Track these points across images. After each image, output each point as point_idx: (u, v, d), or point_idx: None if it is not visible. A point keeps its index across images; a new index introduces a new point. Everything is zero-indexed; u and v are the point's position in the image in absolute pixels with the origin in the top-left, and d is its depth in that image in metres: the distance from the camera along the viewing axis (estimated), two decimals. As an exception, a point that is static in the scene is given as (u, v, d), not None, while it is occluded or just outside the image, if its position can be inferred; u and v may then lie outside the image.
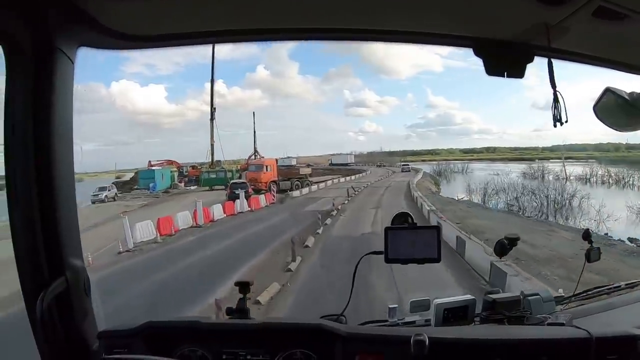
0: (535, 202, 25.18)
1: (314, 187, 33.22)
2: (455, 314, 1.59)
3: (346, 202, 23.83)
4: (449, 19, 1.23)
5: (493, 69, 1.31)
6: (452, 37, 1.32)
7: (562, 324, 1.49)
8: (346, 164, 50.75)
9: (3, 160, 1.17)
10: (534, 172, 38.80)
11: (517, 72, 1.30)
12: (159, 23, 1.23)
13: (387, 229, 1.51)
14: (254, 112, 41.44)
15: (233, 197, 23.27)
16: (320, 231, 14.96)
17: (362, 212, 19.24)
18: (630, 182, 32.05)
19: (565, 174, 37.08)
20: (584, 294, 1.88)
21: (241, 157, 39.06)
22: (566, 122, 1.22)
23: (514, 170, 39.32)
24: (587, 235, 1.83)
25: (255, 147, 38.24)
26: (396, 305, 1.68)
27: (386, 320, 1.68)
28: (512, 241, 1.74)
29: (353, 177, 41.30)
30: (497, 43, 1.28)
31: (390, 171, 48.45)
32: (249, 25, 1.28)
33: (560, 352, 1.31)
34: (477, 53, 1.30)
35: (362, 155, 62.21)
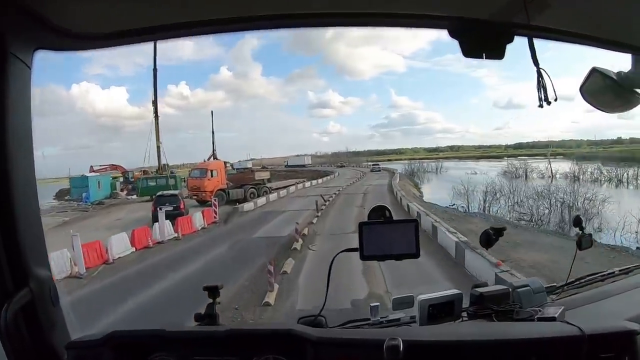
0: (547, 207, 20.50)
1: (273, 196, 26.80)
2: (441, 310, 1.55)
3: (315, 220, 17.39)
4: None
5: (470, 51, 1.23)
6: (426, 18, 1.27)
7: (552, 319, 1.43)
8: (302, 165, 49.12)
9: None
10: (517, 170, 36.24)
11: (496, 52, 1.24)
12: (117, 20, 1.21)
13: (361, 224, 1.46)
14: (212, 111, 36.21)
15: (157, 217, 16.23)
16: (271, 299, 8.13)
17: (342, 243, 12.42)
18: (625, 180, 29.41)
19: (551, 172, 34.83)
20: (577, 283, 1.86)
21: (203, 160, 32.91)
22: (555, 100, 1.17)
23: (489, 169, 37.26)
24: (577, 222, 1.87)
25: (213, 149, 32.26)
26: (378, 304, 1.64)
27: (368, 319, 1.63)
28: (499, 231, 1.72)
29: (320, 181, 35.97)
30: (473, 22, 1.22)
31: (360, 172, 43.62)
32: (212, 15, 1.22)
33: (551, 351, 1.26)
34: (453, 34, 1.23)
35: (327, 156, 60.62)
